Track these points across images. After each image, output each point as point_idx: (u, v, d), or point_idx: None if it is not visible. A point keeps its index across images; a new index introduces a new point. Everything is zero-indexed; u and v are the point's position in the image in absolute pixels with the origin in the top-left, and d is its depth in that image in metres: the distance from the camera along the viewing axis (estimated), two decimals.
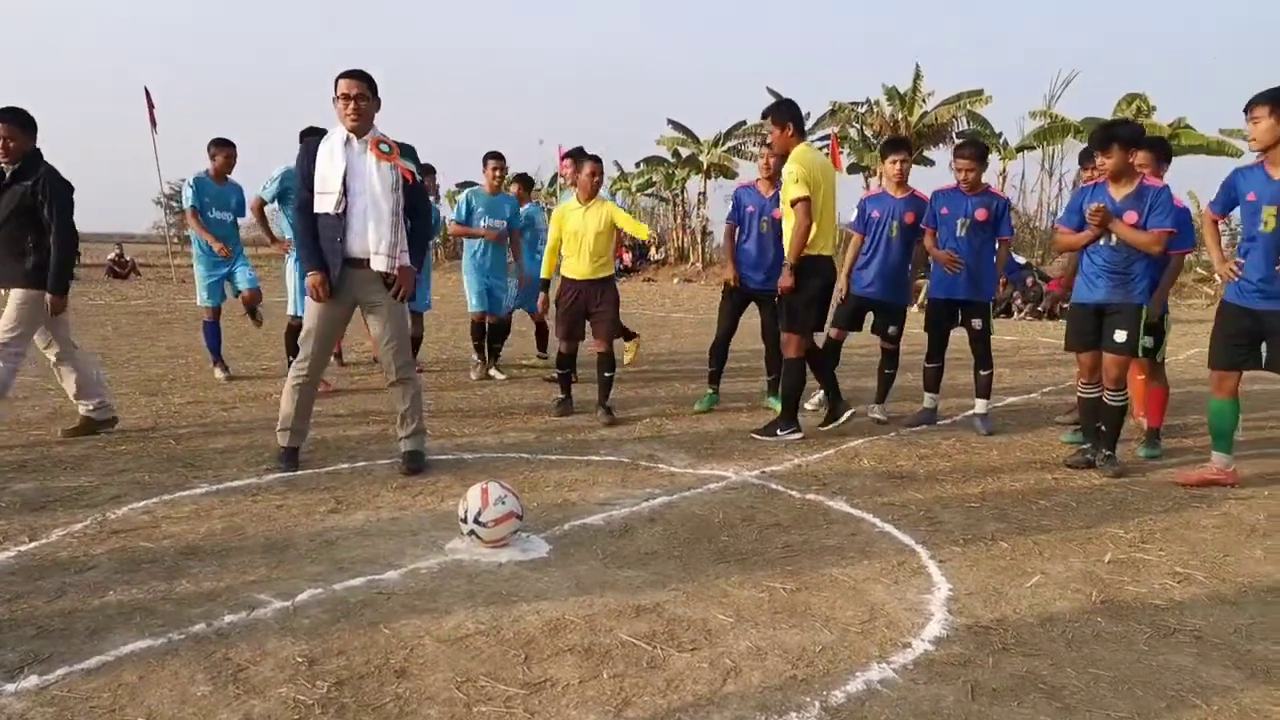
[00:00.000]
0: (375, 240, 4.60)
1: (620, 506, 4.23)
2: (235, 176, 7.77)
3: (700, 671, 2.60)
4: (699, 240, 35.56)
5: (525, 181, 9.32)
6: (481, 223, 7.92)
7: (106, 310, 14.62)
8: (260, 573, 3.29)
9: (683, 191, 36.74)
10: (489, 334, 8.19)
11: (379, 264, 4.63)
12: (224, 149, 7.63)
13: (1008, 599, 3.18)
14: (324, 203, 4.55)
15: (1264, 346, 4.57)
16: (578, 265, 6.29)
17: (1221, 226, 5.14)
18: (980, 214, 5.93)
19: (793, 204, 5.49)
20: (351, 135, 4.56)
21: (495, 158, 7.99)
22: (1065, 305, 15.90)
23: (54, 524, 3.78)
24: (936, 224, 6.11)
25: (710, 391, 6.80)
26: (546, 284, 6.60)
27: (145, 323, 12.62)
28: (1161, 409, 5.67)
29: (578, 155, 7.97)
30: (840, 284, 6.35)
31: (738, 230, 6.64)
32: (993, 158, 29.45)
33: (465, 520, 3.58)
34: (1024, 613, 3.07)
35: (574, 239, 6.27)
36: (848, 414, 5.84)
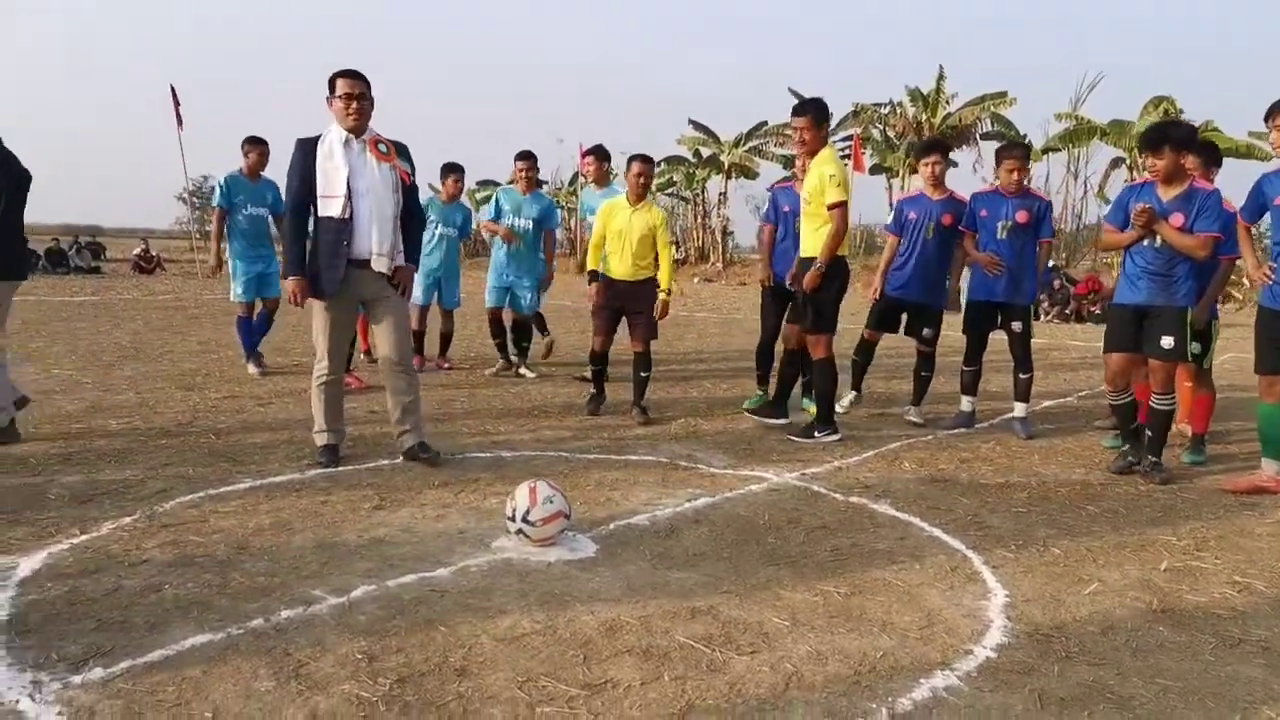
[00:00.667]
0: (378, 242, 4.66)
1: (663, 507, 4.20)
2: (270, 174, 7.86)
3: (762, 675, 2.57)
4: (720, 240, 35.51)
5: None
6: (507, 221, 7.90)
7: (135, 305, 14.73)
8: (312, 568, 3.29)
9: (703, 191, 36.73)
10: (513, 332, 8.14)
11: (380, 265, 4.69)
12: (256, 146, 7.71)
13: (1066, 606, 3.14)
14: (330, 206, 4.57)
15: None
16: (619, 265, 6.25)
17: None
18: (1021, 216, 5.88)
19: (832, 208, 5.46)
20: (350, 135, 4.58)
21: (525, 158, 7.95)
22: (1094, 309, 15.77)
23: (103, 517, 3.79)
24: (976, 226, 6.06)
25: (759, 393, 6.74)
26: (594, 275, 6.49)
27: (175, 317, 12.70)
28: (1207, 415, 5.59)
29: (599, 152, 7.97)
30: (875, 284, 6.36)
31: (775, 230, 6.59)
32: None
33: (513, 519, 3.57)
34: (1084, 620, 3.03)
35: (618, 238, 6.22)
36: (783, 421, 6.01)
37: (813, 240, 5.62)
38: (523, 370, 8.09)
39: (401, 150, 4.85)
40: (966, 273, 6.42)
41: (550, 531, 3.57)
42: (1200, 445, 5.51)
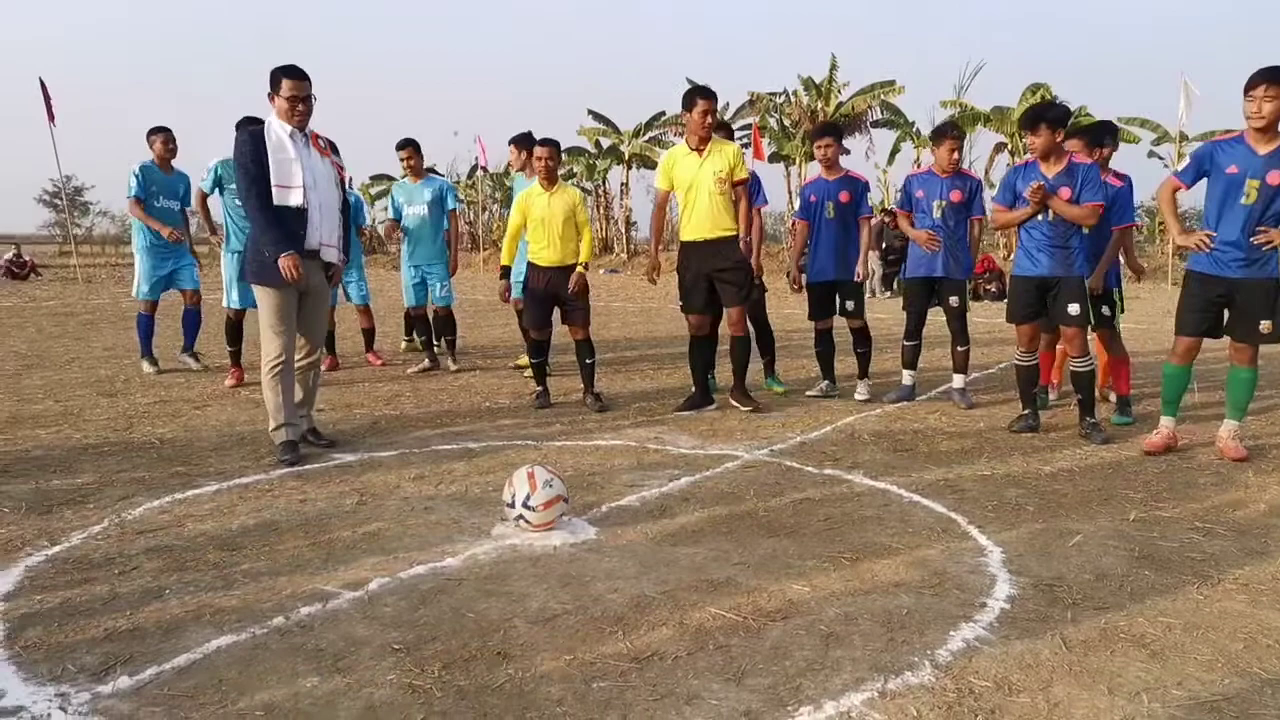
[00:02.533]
0: (328, 233, 4.82)
1: (648, 488, 4.23)
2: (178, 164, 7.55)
3: (801, 639, 2.64)
4: (624, 230, 35.60)
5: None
6: (407, 213, 7.80)
7: (20, 312, 13.84)
8: (315, 565, 3.19)
9: (604, 182, 36.72)
10: (436, 327, 7.99)
11: (329, 255, 4.85)
12: (160, 134, 7.43)
13: (1057, 558, 3.32)
14: (290, 196, 4.60)
15: (1226, 313, 4.86)
16: (548, 252, 6.20)
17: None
18: (955, 195, 6.13)
19: (741, 183, 5.85)
20: (295, 130, 4.66)
21: (404, 146, 7.74)
22: (990, 287, 16.42)
23: (68, 526, 3.59)
24: (912, 206, 6.30)
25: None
26: (507, 271, 6.46)
27: (69, 323, 11.99)
28: (1128, 377, 5.97)
29: (524, 141, 7.90)
30: (794, 276, 6.67)
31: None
32: (906, 144, 30.35)
33: (513, 505, 3.54)
34: (1077, 570, 3.20)
35: (540, 226, 6.17)
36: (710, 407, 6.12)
37: (727, 215, 5.85)
38: (449, 364, 7.90)
39: (334, 147, 5.00)
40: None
41: (550, 516, 3.55)
42: (1126, 406, 5.87)
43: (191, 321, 7.69)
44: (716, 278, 5.93)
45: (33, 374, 7.45)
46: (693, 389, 6.23)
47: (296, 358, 4.95)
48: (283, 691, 2.31)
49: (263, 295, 4.72)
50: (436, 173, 8.55)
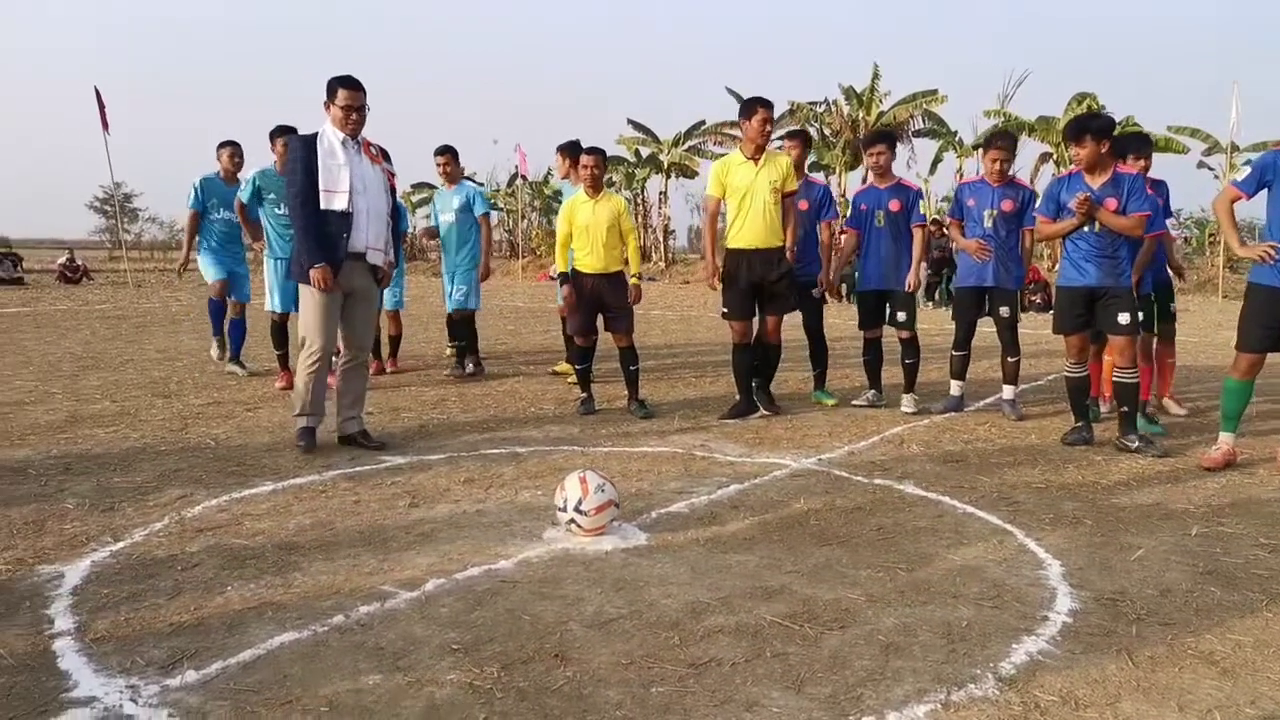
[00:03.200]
0: (374, 237, 4.98)
1: (697, 495, 4.23)
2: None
3: (860, 648, 2.61)
4: (661, 239, 35.65)
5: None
6: (437, 220, 7.93)
7: (74, 315, 14.16)
8: (371, 565, 3.23)
9: (643, 191, 36.83)
10: (451, 329, 8.11)
11: (375, 258, 5.02)
12: (226, 148, 7.70)
13: (1118, 572, 3.26)
14: (335, 200, 4.78)
15: None
16: (592, 259, 6.22)
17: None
18: (1006, 204, 6.05)
19: (790, 194, 5.93)
20: (347, 137, 4.83)
21: (441, 153, 7.80)
22: (1034, 298, 16.28)
23: (130, 524, 3.66)
24: (963, 215, 6.24)
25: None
26: (565, 277, 6.50)
27: (121, 326, 12.25)
28: (1149, 383, 5.98)
29: (571, 149, 7.93)
30: (830, 280, 6.60)
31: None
32: (948, 154, 30.10)
33: (564, 509, 3.55)
34: (1140, 584, 3.14)
35: (585, 233, 6.19)
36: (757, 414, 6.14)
37: (779, 226, 5.92)
38: (468, 367, 7.86)
39: (386, 155, 5.18)
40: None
41: (602, 521, 3.56)
42: (1144, 411, 5.86)
43: (237, 332, 7.83)
44: (767, 287, 5.94)
45: (90, 375, 7.62)
46: (737, 397, 6.21)
47: (342, 359, 5.13)
48: (346, 688, 2.34)
49: (306, 293, 4.91)
50: (471, 180, 8.58)
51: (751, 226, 5.87)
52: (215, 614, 2.79)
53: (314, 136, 4.84)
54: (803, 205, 6.38)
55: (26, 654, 2.50)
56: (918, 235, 6.33)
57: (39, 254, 43.78)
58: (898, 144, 6.68)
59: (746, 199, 5.85)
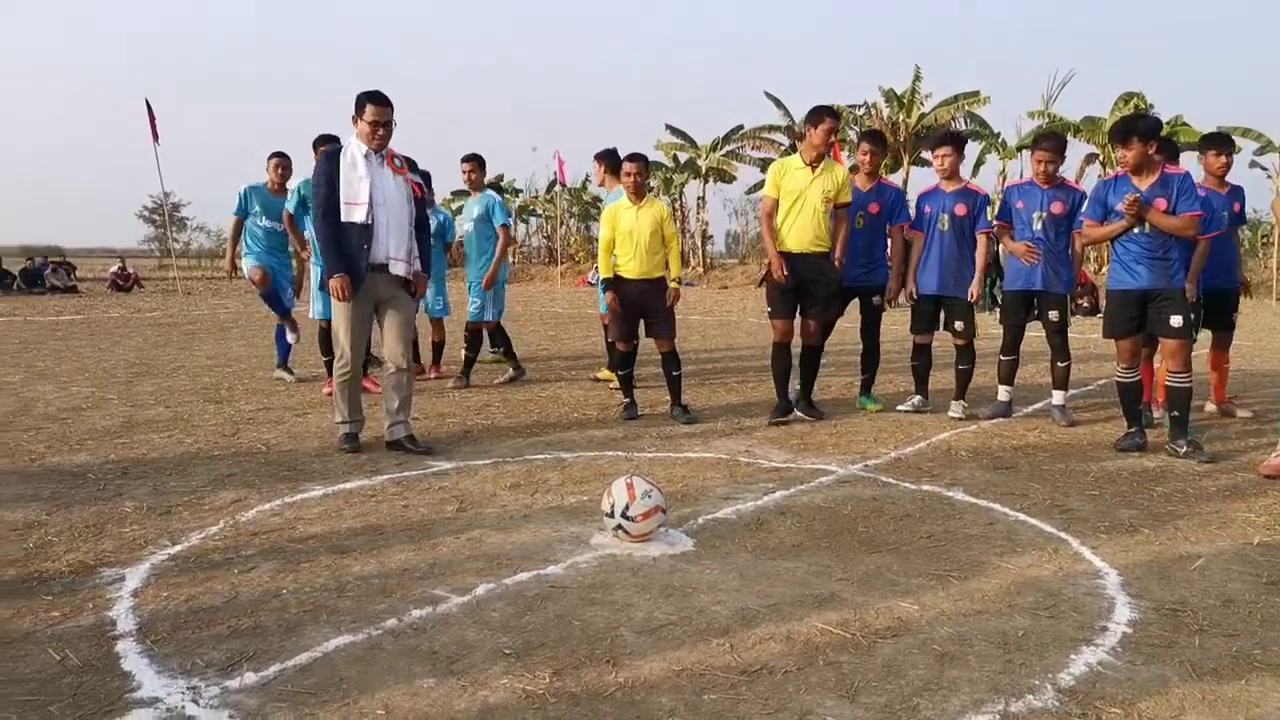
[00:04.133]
0: (395, 248, 5.04)
1: (743, 501, 4.21)
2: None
3: (914, 658, 2.59)
4: (700, 244, 35.61)
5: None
6: (465, 226, 7.94)
7: (126, 322, 14.49)
8: (422, 569, 3.26)
9: (681, 196, 36.81)
10: (465, 340, 8.01)
11: (398, 269, 5.08)
12: (274, 159, 7.79)
13: (1178, 582, 3.19)
14: (355, 213, 4.90)
15: None
16: (635, 265, 6.23)
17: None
18: (1056, 207, 5.95)
19: (843, 206, 5.99)
20: (370, 150, 4.91)
21: (467, 160, 7.78)
22: (1081, 301, 15.99)
23: (187, 527, 3.73)
24: (1011, 218, 6.14)
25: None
26: (608, 284, 6.51)
27: (171, 333, 12.51)
28: (1151, 383, 5.94)
29: (608, 157, 7.95)
30: (909, 287, 6.37)
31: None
32: (991, 156, 29.71)
33: (611, 515, 3.55)
34: (1201, 595, 3.07)
35: (628, 239, 6.21)
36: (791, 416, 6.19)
37: (827, 233, 5.97)
38: (466, 380, 7.68)
39: (411, 165, 5.19)
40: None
41: (649, 526, 3.56)
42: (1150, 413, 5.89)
43: (283, 338, 7.95)
44: (808, 291, 5.97)
45: (143, 381, 7.78)
46: (778, 400, 6.19)
47: (385, 368, 5.21)
48: (401, 690, 2.36)
49: (335, 305, 5.04)
50: (497, 188, 8.58)
51: (799, 231, 5.90)
52: (271, 617, 2.83)
53: (338, 151, 4.98)
54: (873, 208, 6.31)
55: (91, 655, 2.55)
56: (982, 242, 6.20)
57: (91, 263, 44.83)
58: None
59: (798, 203, 5.90)
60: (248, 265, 7.76)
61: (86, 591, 3.02)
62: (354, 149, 4.93)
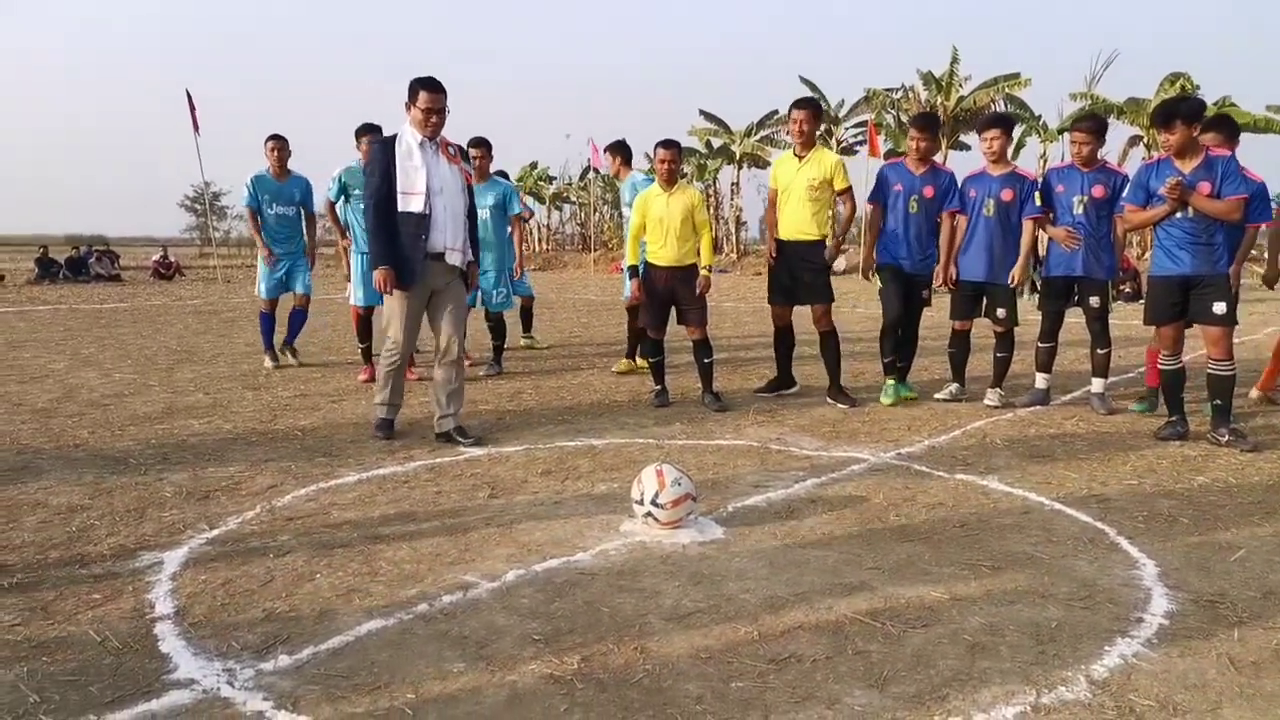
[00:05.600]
0: (453, 238, 5.00)
1: (773, 489, 4.19)
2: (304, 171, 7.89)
3: (944, 648, 2.56)
4: (734, 230, 35.44)
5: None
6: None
7: (167, 311, 14.74)
8: (453, 555, 3.29)
9: (715, 182, 36.65)
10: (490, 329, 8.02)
11: (455, 259, 5.03)
12: (269, 141, 7.63)
13: (1218, 573, 3.13)
14: (412, 203, 4.83)
15: None
16: (665, 251, 6.21)
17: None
18: (1098, 190, 5.83)
19: (843, 192, 6.27)
20: (426, 139, 4.84)
21: (476, 145, 7.39)
22: (1124, 287, 15.63)
23: (225, 512, 3.80)
24: (1052, 202, 6.02)
25: (892, 382, 6.37)
26: (635, 270, 6.50)
27: (211, 321, 12.71)
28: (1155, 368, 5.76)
29: (619, 148, 7.91)
30: (950, 271, 6.23)
31: (883, 210, 6.33)
32: (1032, 139, 29.21)
33: (641, 502, 3.56)
34: (1241, 586, 3.01)
35: (659, 225, 6.19)
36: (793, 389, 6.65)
37: (812, 222, 6.23)
38: (495, 369, 7.72)
39: (462, 153, 5.12)
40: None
41: (679, 514, 3.56)
42: (1154, 397, 5.83)
43: (297, 321, 8.00)
44: (797, 276, 6.31)
45: (184, 368, 7.92)
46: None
47: (436, 357, 5.13)
48: (431, 675, 2.39)
49: (394, 296, 4.98)
50: (504, 176, 8.46)
51: (787, 220, 6.32)
52: (305, 601, 2.87)
53: (393, 139, 4.89)
54: (928, 192, 6.20)
55: (130, 636, 2.61)
56: (1028, 228, 6.06)
57: (134, 251, 45.75)
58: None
59: (786, 193, 6.31)
60: (261, 278, 7.78)
61: (127, 575, 3.09)
62: (408, 137, 4.85)
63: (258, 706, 2.23)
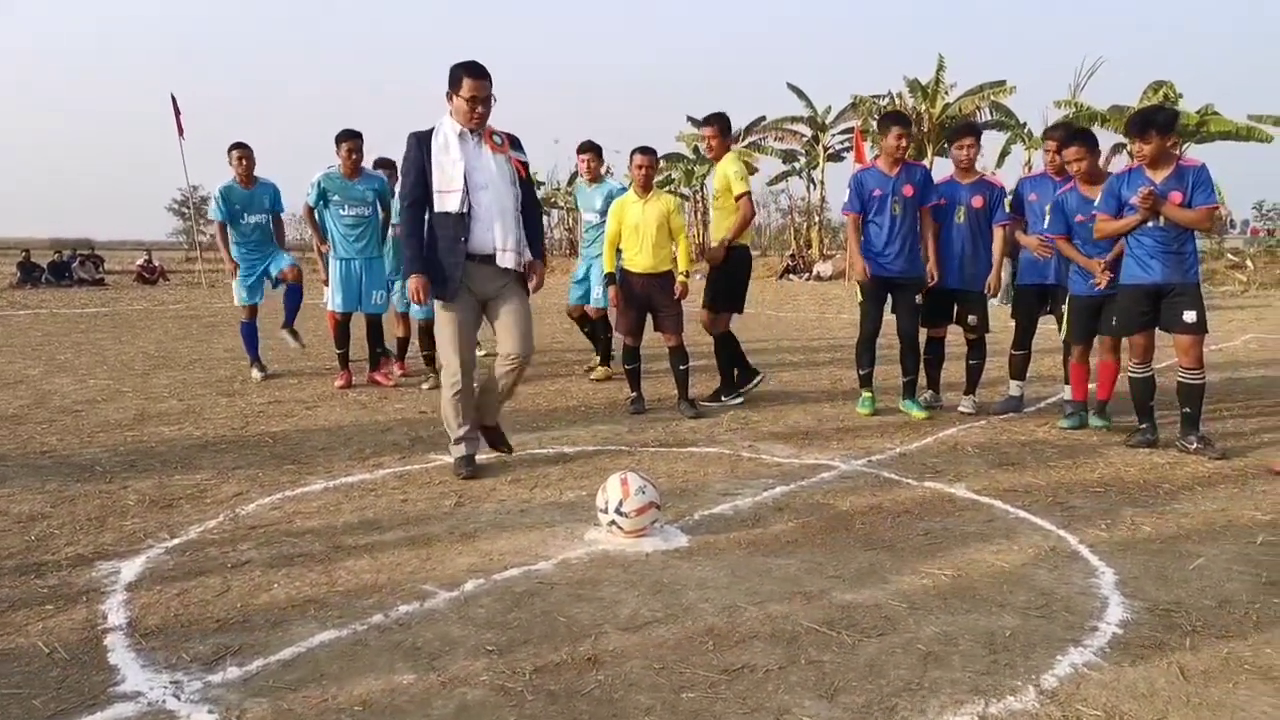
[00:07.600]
0: (502, 237, 4.45)
1: (741, 496, 4.20)
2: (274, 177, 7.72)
3: (897, 657, 2.56)
4: None
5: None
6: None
7: (148, 316, 14.66)
8: (414, 564, 3.27)
9: (702, 188, 36.69)
10: (593, 329, 8.04)
11: (507, 261, 4.48)
12: (233, 150, 7.41)
13: (1175, 582, 3.14)
14: (447, 201, 4.36)
15: None
16: (640, 258, 6.20)
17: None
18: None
19: (739, 197, 6.28)
20: (466, 129, 4.41)
21: (587, 150, 7.68)
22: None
23: (187, 521, 3.77)
24: (1024, 211, 6.06)
25: (867, 395, 6.27)
26: (612, 277, 6.48)
27: (192, 326, 12.65)
28: (1112, 382, 5.80)
29: (588, 148, 7.87)
30: (932, 273, 6.19)
31: (862, 219, 6.14)
32: (1016, 146, 29.39)
33: (605, 510, 3.55)
34: (1198, 595, 3.02)
35: (634, 232, 6.18)
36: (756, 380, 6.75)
37: (723, 227, 6.39)
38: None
39: (514, 142, 4.60)
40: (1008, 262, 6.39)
41: (643, 522, 3.55)
42: (1103, 411, 5.80)
43: (293, 299, 7.68)
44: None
45: (160, 374, 7.88)
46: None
47: (501, 365, 4.67)
48: (380, 687, 2.38)
49: (438, 312, 4.57)
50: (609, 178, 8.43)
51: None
52: (260, 611, 2.86)
53: (429, 133, 4.42)
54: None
55: (79, 648, 2.59)
56: (998, 235, 6.07)
57: (120, 255, 45.48)
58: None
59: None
60: (237, 287, 7.57)
61: (82, 585, 3.07)
62: (446, 129, 4.37)
63: (202, 719, 2.22)
